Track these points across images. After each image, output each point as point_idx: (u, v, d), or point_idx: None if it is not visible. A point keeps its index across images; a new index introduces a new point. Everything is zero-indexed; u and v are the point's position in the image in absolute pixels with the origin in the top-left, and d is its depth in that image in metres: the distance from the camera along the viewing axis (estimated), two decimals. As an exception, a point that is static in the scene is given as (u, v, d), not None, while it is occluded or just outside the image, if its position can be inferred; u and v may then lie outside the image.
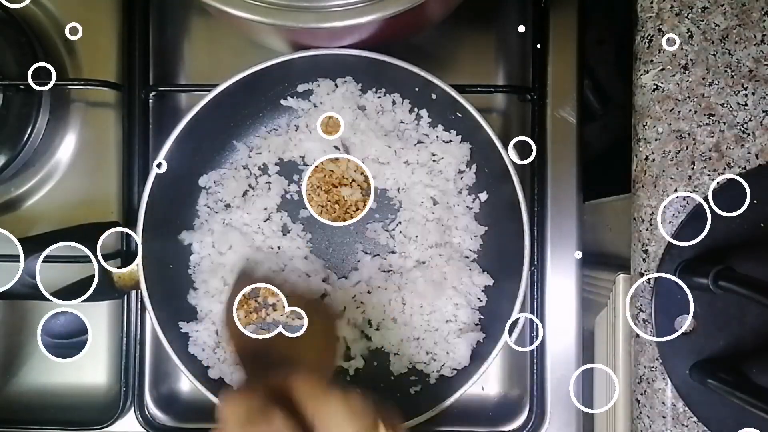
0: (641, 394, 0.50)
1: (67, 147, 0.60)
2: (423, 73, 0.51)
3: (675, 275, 0.48)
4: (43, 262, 0.58)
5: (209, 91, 0.52)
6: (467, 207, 0.57)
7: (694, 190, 0.49)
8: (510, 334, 0.52)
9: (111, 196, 0.59)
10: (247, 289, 0.52)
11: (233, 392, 0.39)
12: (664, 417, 0.49)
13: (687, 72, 0.49)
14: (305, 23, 0.44)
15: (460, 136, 0.56)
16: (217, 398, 0.51)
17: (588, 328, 0.59)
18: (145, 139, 0.57)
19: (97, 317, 0.59)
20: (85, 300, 0.54)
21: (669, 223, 0.49)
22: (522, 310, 0.52)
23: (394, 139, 0.56)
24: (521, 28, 0.59)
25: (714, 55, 0.49)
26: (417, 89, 0.54)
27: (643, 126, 0.50)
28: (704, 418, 0.49)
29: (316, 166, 0.56)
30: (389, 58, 0.51)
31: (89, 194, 0.60)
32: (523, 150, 0.56)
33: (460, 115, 0.53)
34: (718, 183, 0.49)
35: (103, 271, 0.52)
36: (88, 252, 0.51)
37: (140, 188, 0.56)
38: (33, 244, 0.51)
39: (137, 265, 0.52)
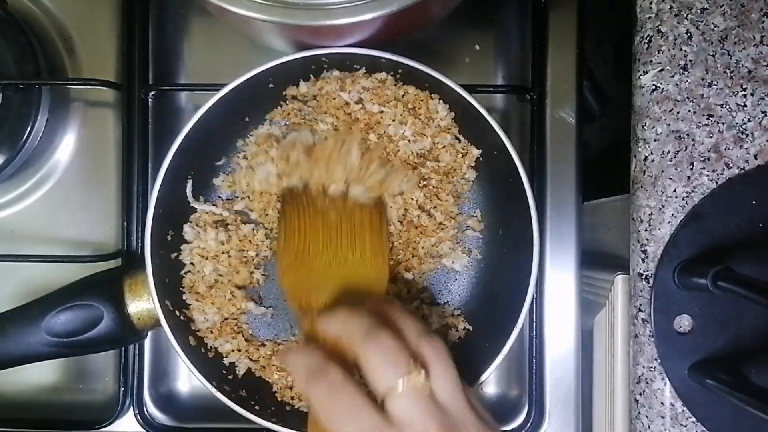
0: (640, 394, 0.50)
1: (66, 146, 0.60)
2: (434, 73, 0.50)
3: (674, 275, 0.48)
4: (40, 262, 0.58)
5: (209, 90, 0.51)
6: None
7: (693, 191, 0.49)
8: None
9: (110, 195, 0.59)
10: None
11: (297, 348, 0.46)
12: (662, 417, 0.49)
13: (686, 73, 0.49)
14: (307, 21, 0.43)
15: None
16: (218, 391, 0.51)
17: (587, 329, 0.59)
18: (145, 138, 0.57)
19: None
20: (112, 348, 0.56)
21: (668, 223, 0.49)
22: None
23: None
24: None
25: (713, 55, 0.49)
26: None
27: (642, 126, 0.50)
28: (703, 419, 0.49)
29: None
30: (396, 57, 0.50)
31: (89, 194, 0.60)
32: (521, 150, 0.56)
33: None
34: (717, 183, 0.49)
35: (121, 317, 0.50)
36: (101, 307, 0.50)
37: (139, 187, 0.57)
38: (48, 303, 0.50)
39: (150, 300, 0.50)
